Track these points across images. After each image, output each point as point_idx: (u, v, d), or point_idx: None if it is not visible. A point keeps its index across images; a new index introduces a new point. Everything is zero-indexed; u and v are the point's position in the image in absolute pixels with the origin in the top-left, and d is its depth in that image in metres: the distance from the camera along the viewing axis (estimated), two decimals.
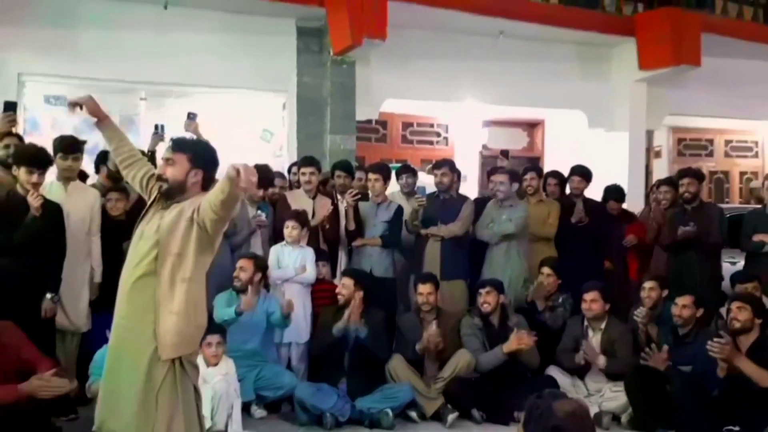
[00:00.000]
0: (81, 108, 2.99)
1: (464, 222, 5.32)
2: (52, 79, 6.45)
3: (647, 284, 4.81)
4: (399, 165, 6.99)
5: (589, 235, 5.52)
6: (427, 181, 6.54)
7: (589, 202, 5.76)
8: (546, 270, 5.15)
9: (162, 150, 4.19)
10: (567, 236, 5.52)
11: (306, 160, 5.49)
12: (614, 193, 6.08)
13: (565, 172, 6.13)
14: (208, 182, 2.93)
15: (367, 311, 4.69)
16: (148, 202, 2.95)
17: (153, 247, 2.78)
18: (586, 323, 4.82)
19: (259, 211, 5.04)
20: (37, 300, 4.18)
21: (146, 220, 2.90)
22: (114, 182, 4.89)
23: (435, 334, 4.57)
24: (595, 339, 4.77)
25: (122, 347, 2.83)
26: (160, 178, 2.87)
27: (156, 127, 5.34)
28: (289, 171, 6.13)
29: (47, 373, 3.56)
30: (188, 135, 4.74)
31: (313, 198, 5.33)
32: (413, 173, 6.01)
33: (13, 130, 4.63)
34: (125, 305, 2.83)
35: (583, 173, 5.83)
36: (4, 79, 6.17)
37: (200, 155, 2.93)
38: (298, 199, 5.29)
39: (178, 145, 2.92)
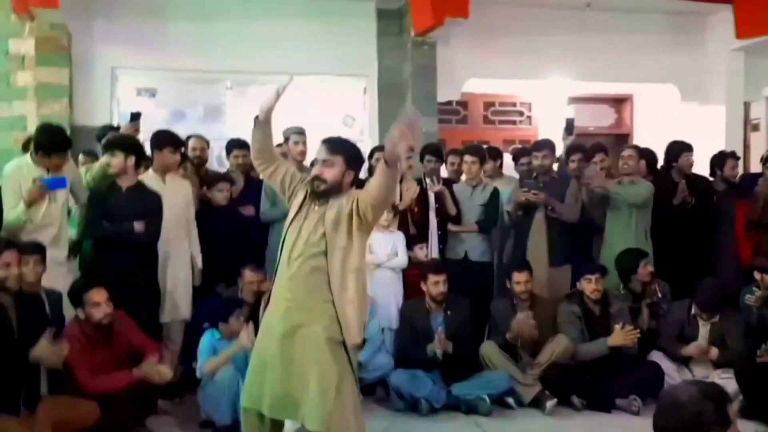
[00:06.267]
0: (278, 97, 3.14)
1: (577, 203, 5.14)
2: (143, 72, 6.63)
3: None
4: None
5: (694, 215, 5.27)
6: (509, 163, 6.42)
7: (692, 180, 5.47)
8: (646, 262, 4.88)
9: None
10: (668, 219, 5.27)
11: None
12: (727, 157, 5.68)
13: (656, 148, 5.88)
14: (355, 181, 3.11)
15: (453, 300, 4.67)
16: (298, 202, 3.07)
17: (320, 239, 2.94)
18: (694, 311, 4.61)
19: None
20: (141, 290, 4.31)
21: (300, 217, 3.04)
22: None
23: (527, 323, 4.48)
24: (704, 329, 4.56)
25: (294, 328, 2.97)
26: (318, 178, 2.99)
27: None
28: (370, 156, 6.09)
29: (153, 359, 3.73)
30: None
31: (400, 182, 5.29)
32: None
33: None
34: (291, 289, 3.00)
35: (690, 148, 5.53)
36: (99, 73, 6.39)
37: (354, 157, 3.09)
38: None
39: (335, 146, 3.04)
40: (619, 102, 8.71)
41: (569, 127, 5.80)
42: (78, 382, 3.55)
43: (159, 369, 3.70)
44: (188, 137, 5.64)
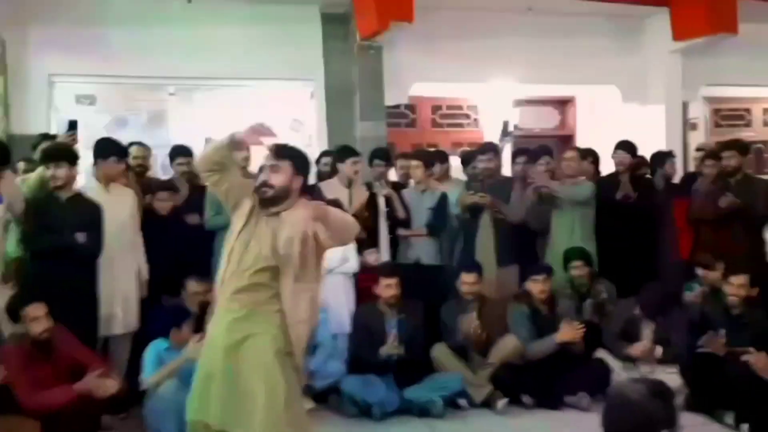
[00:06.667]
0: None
1: (522, 204, 5.19)
2: (82, 79, 6.45)
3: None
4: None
5: (636, 213, 5.38)
6: (457, 165, 6.47)
7: (634, 177, 5.60)
8: (577, 263, 4.97)
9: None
10: (610, 216, 5.38)
11: (349, 151, 5.40)
12: (666, 156, 5.87)
13: (600, 149, 6.02)
14: (303, 187, 3.06)
15: (406, 304, 4.68)
16: (244, 212, 2.98)
17: (272, 255, 2.87)
18: (638, 311, 4.70)
19: None
20: (81, 303, 4.18)
21: (247, 229, 2.96)
22: None
23: (475, 325, 4.52)
24: (648, 329, 4.65)
25: (240, 340, 2.89)
26: (265, 184, 2.92)
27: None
28: (317, 162, 6.06)
29: (96, 373, 3.61)
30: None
31: (349, 187, 5.27)
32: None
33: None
34: (237, 301, 2.91)
35: (628, 147, 5.66)
36: (35, 81, 6.19)
37: (301, 162, 3.04)
38: (333, 189, 5.22)
39: (282, 152, 2.98)
40: (562, 104, 8.87)
41: (505, 130, 5.92)
42: (18, 400, 3.42)
43: (103, 382, 3.59)
44: (130, 144, 5.51)
